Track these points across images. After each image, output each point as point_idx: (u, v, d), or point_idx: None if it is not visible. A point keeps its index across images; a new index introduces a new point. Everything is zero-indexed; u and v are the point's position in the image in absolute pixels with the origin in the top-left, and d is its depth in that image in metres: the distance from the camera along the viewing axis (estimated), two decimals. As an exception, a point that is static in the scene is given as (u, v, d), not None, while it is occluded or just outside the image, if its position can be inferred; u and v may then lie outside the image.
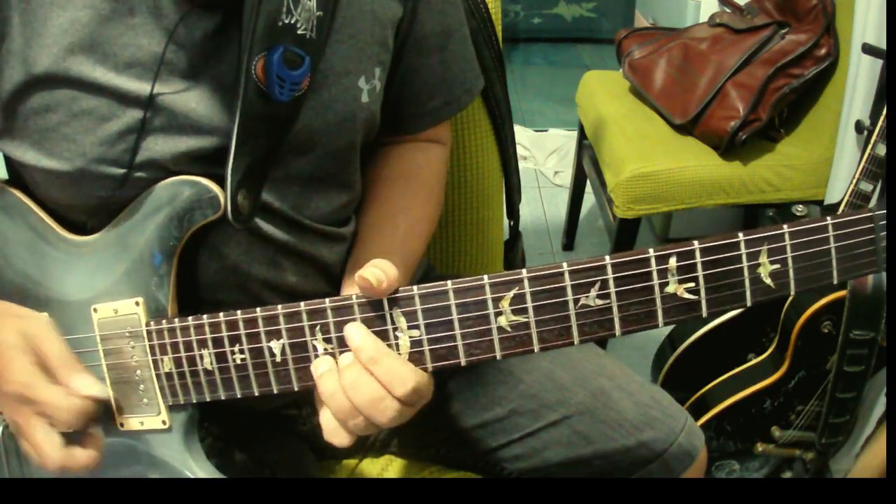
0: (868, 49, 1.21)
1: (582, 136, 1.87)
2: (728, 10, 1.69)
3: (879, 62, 1.22)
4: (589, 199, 2.04)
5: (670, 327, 1.43)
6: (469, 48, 0.78)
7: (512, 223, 1.03)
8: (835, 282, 0.45)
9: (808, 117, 1.56)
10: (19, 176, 0.64)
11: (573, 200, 2.05)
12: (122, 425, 0.62)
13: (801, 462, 1.30)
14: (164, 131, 0.57)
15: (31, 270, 0.63)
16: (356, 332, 0.53)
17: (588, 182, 1.92)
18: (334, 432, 0.55)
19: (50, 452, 0.56)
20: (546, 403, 0.77)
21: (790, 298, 1.18)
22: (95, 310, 0.61)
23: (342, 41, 0.62)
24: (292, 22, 0.57)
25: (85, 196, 0.59)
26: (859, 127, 1.28)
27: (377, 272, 0.51)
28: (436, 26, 0.72)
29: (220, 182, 0.58)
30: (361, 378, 0.52)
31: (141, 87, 0.56)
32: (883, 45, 1.20)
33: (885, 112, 1.03)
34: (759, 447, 1.27)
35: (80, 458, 0.58)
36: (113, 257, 0.60)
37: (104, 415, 0.62)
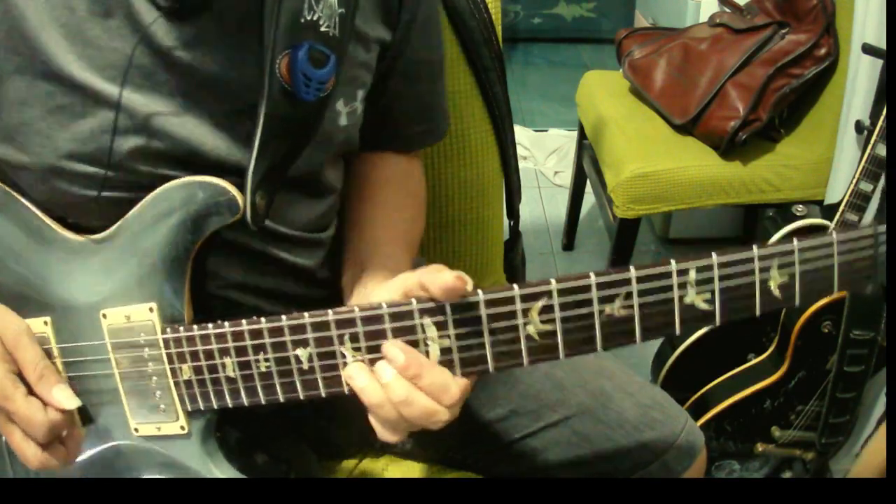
0: (868, 49, 1.21)
1: (582, 136, 1.87)
2: (728, 10, 1.69)
3: (879, 62, 1.22)
4: (589, 199, 2.04)
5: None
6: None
7: (512, 223, 1.03)
8: (833, 293, 0.49)
9: (808, 117, 1.56)
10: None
11: (573, 200, 2.05)
12: (136, 430, 0.61)
13: (801, 462, 1.30)
14: (135, 133, 0.56)
15: (29, 271, 0.61)
16: (397, 351, 0.51)
17: (588, 182, 1.92)
18: (384, 434, 0.55)
19: (30, 456, 0.57)
20: (546, 403, 0.77)
21: (790, 298, 1.17)
22: (104, 315, 0.59)
23: None
24: (315, 18, 0.56)
25: (59, 195, 0.58)
26: (859, 127, 1.28)
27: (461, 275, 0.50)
28: (431, 55, 0.73)
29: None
30: (413, 395, 0.51)
31: (112, 89, 0.55)
32: (883, 45, 1.20)
33: (885, 112, 1.03)
34: (759, 447, 1.27)
35: (60, 457, 0.58)
36: (121, 260, 0.59)
37: (118, 420, 0.61)
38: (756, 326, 1.30)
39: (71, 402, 0.58)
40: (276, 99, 0.56)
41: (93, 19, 0.54)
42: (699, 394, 1.30)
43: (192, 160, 0.58)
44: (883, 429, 1.24)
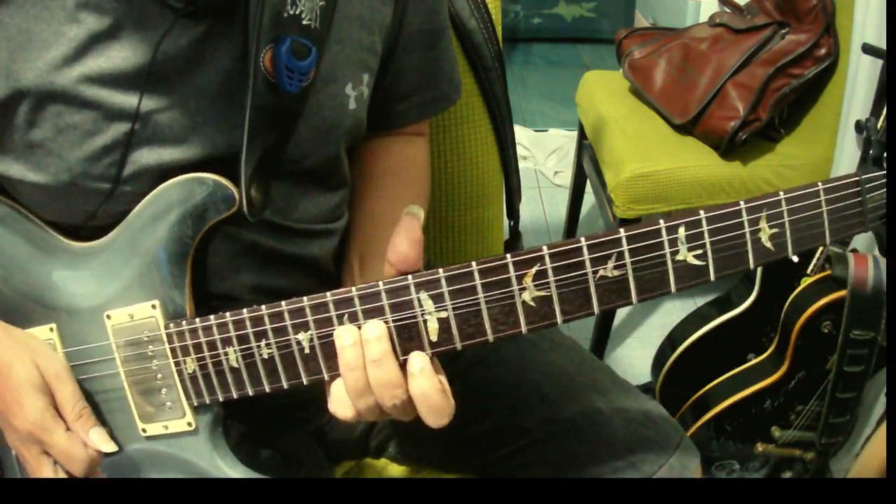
0: (868, 49, 1.21)
1: (582, 136, 1.87)
2: (728, 10, 1.69)
3: (879, 62, 1.22)
4: (589, 199, 2.04)
5: (671, 325, 1.43)
6: (453, 49, 0.79)
7: (512, 223, 1.03)
8: (827, 242, 0.50)
9: (808, 117, 1.56)
10: (2, 190, 0.63)
11: (573, 200, 2.05)
12: (144, 431, 0.61)
13: (801, 462, 1.31)
14: (150, 143, 0.57)
15: (33, 282, 0.61)
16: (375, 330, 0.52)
17: (588, 182, 1.92)
18: (341, 404, 0.55)
19: None
20: (533, 418, 0.75)
21: (790, 298, 1.18)
22: (109, 316, 0.60)
23: (329, 47, 0.62)
24: (297, 13, 0.57)
25: (71, 210, 0.59)
26: (859, 127, 1.28)
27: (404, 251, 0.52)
28: (424, 23, 0.72)
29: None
30: (386, 360, 0.52)
31: (126, 101, 0.55)
32: (883, 45, 1.20)
33: (885, 112, 1.03)
34: (759, 447, 1.27)
35: None
36: (122, 261, 0.59)
37: (126, 423, 0.62)
38: (756, 326, 1.30)
39: (108, 445, 0.59)
40: (260, 91, 0.56)
41: (101, 31, 0.53)
42: (699, 394, 1.30)
43: (203, 162, 0.58)
44: (883, 429, 1.24)
